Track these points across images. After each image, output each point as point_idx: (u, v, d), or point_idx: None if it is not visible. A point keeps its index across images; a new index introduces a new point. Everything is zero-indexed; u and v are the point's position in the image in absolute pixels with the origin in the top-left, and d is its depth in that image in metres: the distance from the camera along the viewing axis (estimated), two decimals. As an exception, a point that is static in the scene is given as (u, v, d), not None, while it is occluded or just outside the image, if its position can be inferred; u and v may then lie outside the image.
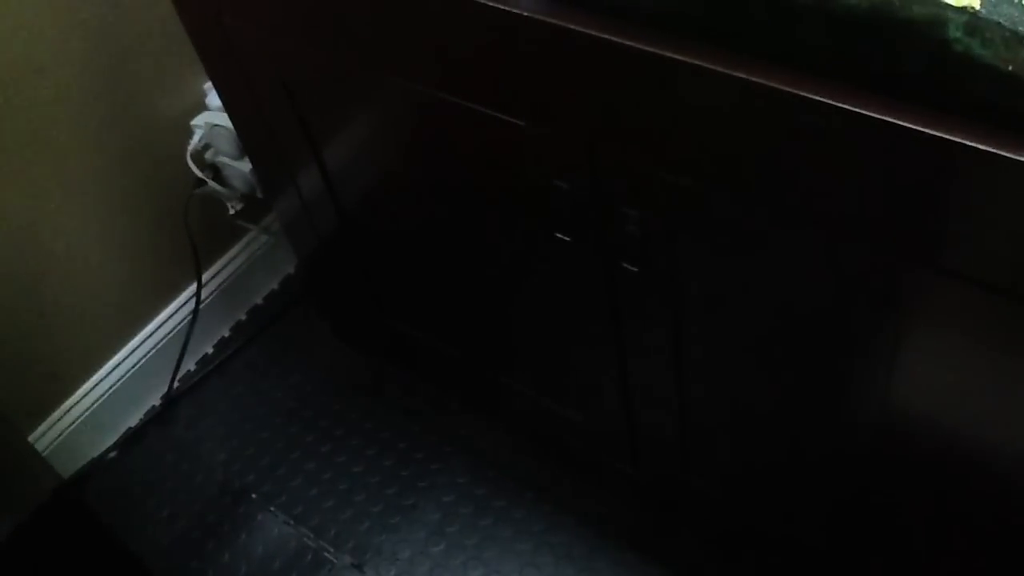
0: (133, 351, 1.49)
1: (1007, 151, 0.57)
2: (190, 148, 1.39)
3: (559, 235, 0.92)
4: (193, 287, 1.52)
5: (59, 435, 1.43)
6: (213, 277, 1.57)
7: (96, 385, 1.46)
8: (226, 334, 1.63)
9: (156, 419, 1.53)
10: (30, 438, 1.40)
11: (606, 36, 0.70)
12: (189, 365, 1.59)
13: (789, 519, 1.07)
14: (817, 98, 0.63)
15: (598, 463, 1.25)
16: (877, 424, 0.85)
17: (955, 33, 0.57)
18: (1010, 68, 0.56)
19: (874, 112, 0.61)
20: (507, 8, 0.74)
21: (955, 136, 0.59)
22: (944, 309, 0.72)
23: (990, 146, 0.58)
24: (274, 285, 1.68)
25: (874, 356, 0.80)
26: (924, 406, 0.81)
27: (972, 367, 0.75)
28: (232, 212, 1.48)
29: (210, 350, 1.61)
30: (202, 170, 1.41)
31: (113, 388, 1.48)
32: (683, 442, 1.07)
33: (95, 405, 1.47)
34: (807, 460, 0.97)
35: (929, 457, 0.85)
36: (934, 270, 0.68)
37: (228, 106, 1.20)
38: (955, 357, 0.75)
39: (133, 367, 1.50)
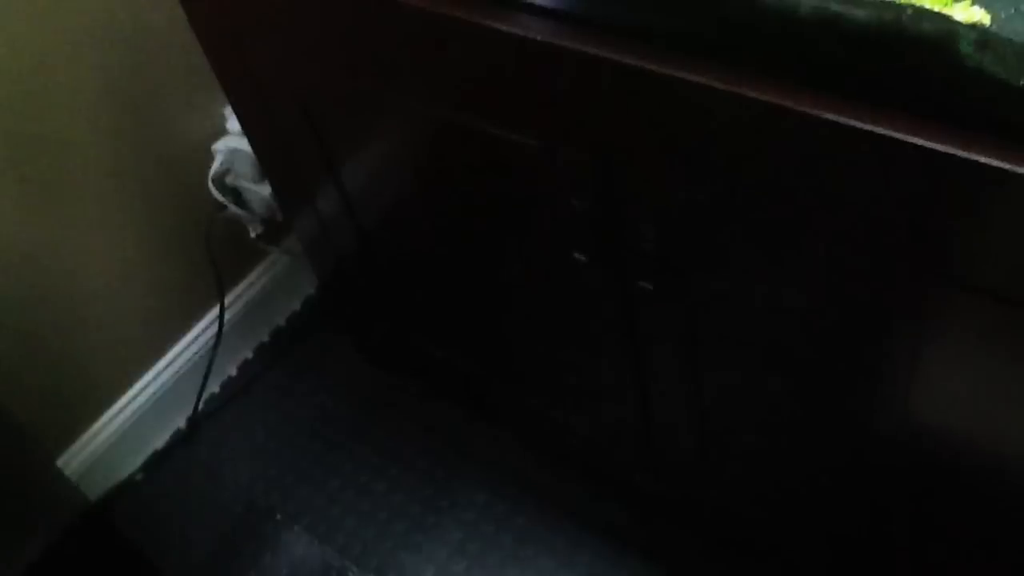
0: (158, 375, 1.51)
1: (1020, 165, 0.57)
2: (211, 172, 1.40)
3: (576, 254, 0.92)
4: (216, 310, 1.54)
5: (87, 458, 1.44)
6: (236, 300, 1.58)
7: (123, 409, 1.48)
8: (249, 356, 1.64)
9: (182, 441, 1.54)
10: (58, 462, 1.41)
11: (620, 58, 0.71)
12: (213, 387, 1.60)
13: (809, 533, 1.07)
14: (830, 116, 0.63)
15: (619, 479, 1.24)
16: (897, 437, 0.85)
17: (966, 49, 0.57)
18: (1021, 83, 0.56)
19: (887, 129, 0.61)
20: (521, 32, 0.75)
21: (968, 152, 0.59)
22: (961, 322, 0.72)
23: (1003, 161, 0.58)
24: (296, 306, 1.69)
25: (892, 369, 0.79)
26: (944, 419, 0.81)
27: (991, 379, 0.74)
28: (253, 235, 1.50)
29: (234, 372, 1.62)
30: (223, 194, 1.42)
31: (139, 411, 1.49)
32: (703, 457, 1.07)
33: (122, 428, 1.48)
34: (826, 474, 0.97)
35: (949, 470, 0.84)
36: (949, 284, 0.68)
37: (247, 130, 1.21)
38: (974, 369, 0.75)
39: (158, 390, 1.51)
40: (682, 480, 1.15)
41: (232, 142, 1.39)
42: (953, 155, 0.59)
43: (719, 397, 0.97)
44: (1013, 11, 0.57)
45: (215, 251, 1.47)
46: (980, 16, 0.57)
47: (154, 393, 1.50)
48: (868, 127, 0.62)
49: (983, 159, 0.58)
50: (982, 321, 0.70)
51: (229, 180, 1.43)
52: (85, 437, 1.44)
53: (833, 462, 0.95)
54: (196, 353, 1.54)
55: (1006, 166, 0.57)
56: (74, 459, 1.43)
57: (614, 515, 1.32)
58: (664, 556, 1.27)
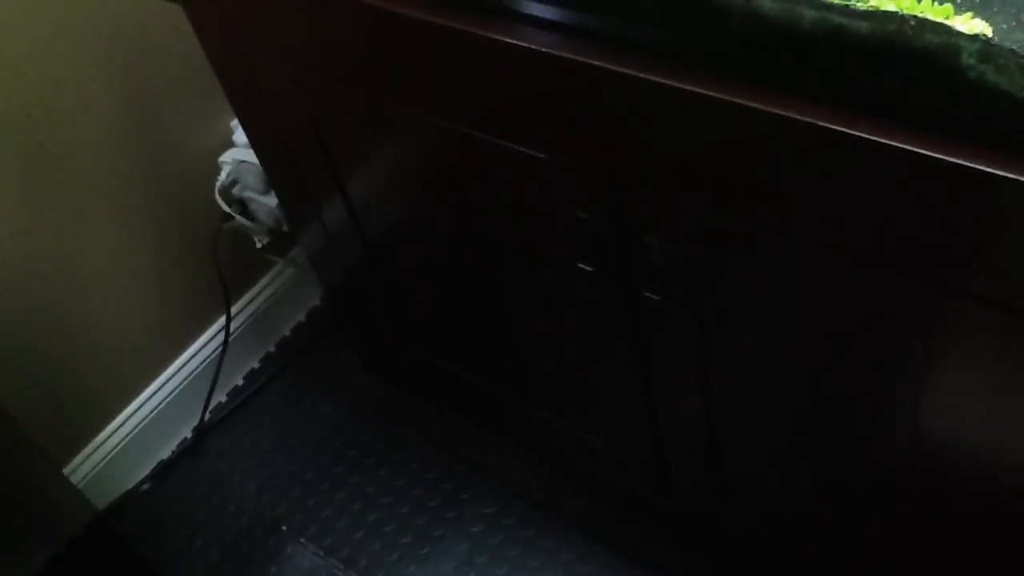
0: (164, 384, 1.51)
1: (1020, 175, 0.57)
2: (218, 184, 1.41)
3: (582, 265, 0.92)
4: (222, 320, 1.54)
5: (93, 468, 1.45)
6: (242, 310, 1.59)
7: (129, 418, 1.48)
8: (256, 366, 1.64)
9: (188, 451, 1.55)
10: (65, 471, 1.41)
11: (625, 70, 0.71)
12: (220, 397, 1.60)
13: (823, 549, 1.06)
14: (834, 127, 0.63)
15: (627, 492, 1.24)
16: (907, 452, 0.85)
17: (968, 60, 0.57)
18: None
19: (891, 140, 0.61)
20: (528, 45, 0.75)
21: (972, 162, 0.59)
22: (970, 334, 0.71)
23: (1007, 172, 0.58)
24: (301, 317, 1.70)
25: (902, 382, 0.79)
26: (955, 433, 0.80)
27: (1004, 394, 0.74)
28: (259, 246, 1.51)
29: (240, 382, 1.63)
30: (230, 205, 1.43)
31: (145, 421, 1.50)
32: (712, 470, 1.07)
33: (128, 438, 1.48)
34: (838, 489, 0.97)
35: (962, 488, 0.84)
36: (956, 296, 0.68)
37: (254, 142, 1.22)
38: (985, 383, 0.74)
39: (165, 400, 1.51)
40: (691, 495, 1.14)
41: (239, 154, 1.39)
42: (955, 165, 0.59)
43: (728, 410, 0.97)
44: (1015, 23, 0.58)
45: (221, 262, 1.48)
46: (982, 27, 0.57)
47: (160, 403, 1.51)
48: (870, 138, 0.62)
49: (985, 169, 0.58)
50: (995, 334, 0.70)
51: (236, 191, 1.44)
52: (91, 447, 1.45)
53: (845, 477, 0.94)
54: (202, 363, 1.55)
55: (1008, 176, 0.57)
56: (81, 469, 1.44)
57: (622, 529, 1.31)
58: (673, 570, 1.27)
